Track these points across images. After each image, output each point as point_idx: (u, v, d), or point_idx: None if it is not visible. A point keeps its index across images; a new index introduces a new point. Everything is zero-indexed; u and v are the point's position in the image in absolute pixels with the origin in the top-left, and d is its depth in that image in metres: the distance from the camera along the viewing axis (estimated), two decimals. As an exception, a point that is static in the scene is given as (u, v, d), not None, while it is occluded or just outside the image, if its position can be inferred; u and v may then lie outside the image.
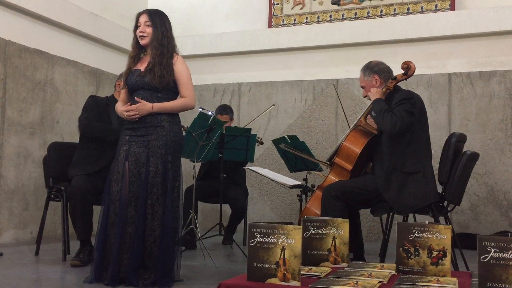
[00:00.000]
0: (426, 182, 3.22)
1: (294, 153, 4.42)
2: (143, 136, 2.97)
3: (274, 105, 5.47)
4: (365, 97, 3.55)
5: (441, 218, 3.44)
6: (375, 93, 3.38)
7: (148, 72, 2.97)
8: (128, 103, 3.05)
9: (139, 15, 3.10)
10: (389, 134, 3.24)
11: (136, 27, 3.08)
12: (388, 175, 3.25)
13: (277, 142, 4.71)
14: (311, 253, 2.48)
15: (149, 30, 3.03)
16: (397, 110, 3.21)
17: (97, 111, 3.79)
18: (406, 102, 3.22)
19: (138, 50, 3.11)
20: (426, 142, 3.36)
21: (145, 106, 2.94)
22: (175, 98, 3.08)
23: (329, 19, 5.89)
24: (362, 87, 3.53)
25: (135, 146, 2.96)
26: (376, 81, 3.45)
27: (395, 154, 3.27)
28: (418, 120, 3.29)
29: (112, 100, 3.88)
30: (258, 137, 4.72)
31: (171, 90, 3.04)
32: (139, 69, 3.03)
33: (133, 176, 2.93)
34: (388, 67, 3.51)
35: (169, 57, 3.01)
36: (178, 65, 3.03)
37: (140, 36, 3.05)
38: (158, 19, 3.07)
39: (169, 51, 3.02)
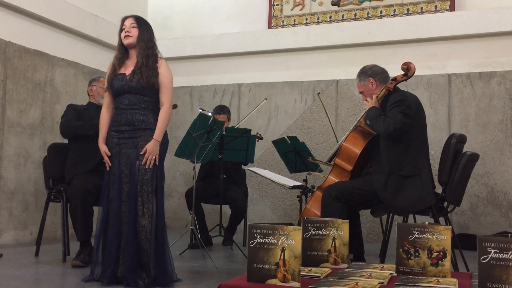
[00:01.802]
0: (422, 186, 3.22)
1: (316, 162, 4.45)
2: (131, 138, 3.00)
3: (266, 99, 5.44)
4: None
5: (441, 219, 3.44)
6: (371, 103, 3.41)
7: (135, 74, 2.99)
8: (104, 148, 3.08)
9: (124, 19, 3.15)
10: (385, 136, 3.26)
11: (121, 30, 3.11)
12: (385, 178, 3.25)
13: (277, 143, 4.72)
14: (311, 254, 2.48)
15: (134, 31, 3.07)
16: (390, 113, 3.23)
17: (76, 115, 3.86)
18: (400, 104, 3.24)
19: (122, 52, 3.13)
20: (423, 144, 3.35)
21: (154, 146, 2.96)
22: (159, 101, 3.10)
23: (329, 20, 5.90)
24: (361, 92, 3.54)
25: (125, 148, 3.01)
26: (372, 84, 3.46)
27: (392, 157, 3.27)
28: (415, 122, 3.29)
29: (90, 105, 3.98)
30: (258, 133, 4.72)
31: (156, 93, 3.06)
32: (124, 74, 3.06)
33: (125, 176, 2.98)
34: (383, 69, 3.51)
35: (154, 60, 3.05)
36: (163, 69, 3.06)
37: (125, 36, 3.07)
38: (144, 23, 3.13)
39: (153, 54, 3.07)
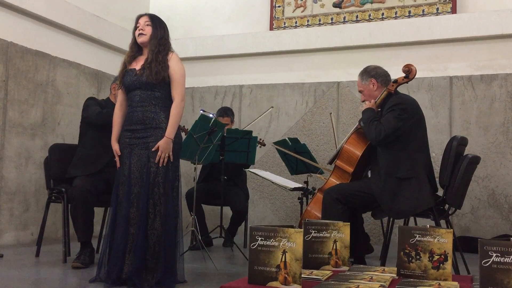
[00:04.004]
0: (419, 189, 3.21)
1: (294, 156, 4.43)
2: (142, 138, 2.99)
3: (272, 107, 5.48)
4: (363, 101, 3.56)
5: (442, 222, 3.43)
6: (368, 105, 3.42)
7: (144, 69, 2.99)
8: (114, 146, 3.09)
9: (139, 16, 3.15)
10: (375, 143, 3.27)
11: (136, 28, 3.11)
12: (383, 180, 3.25)
13: (278, 144, 4.72)
14: (312, 256, 2.48)
15: (148, 29, 3.07)
16: (385, 118, 3.24)
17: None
18: (396, 109, 3.24)
19: (135, 50, 3.14)
20: (420, 147, 3.33)
21: (166, 144, 2.95)
22: (171, 95, 3.08)
23: (330, 21, 5.90)
24: (360, 91, 3.55)
25: (136, 149, 2.99)
26: (373, 85, 3.46)
27: (390, 159, 3.27)
28: (413, 125, 3.28)
29: (108, 103, 3.92)
30: (260, 139, 4.71)
31: (167, 88, 3.04)
32: (135, 69, 3.06)
33: (136, 178, 2.96)
34: (386, 71, 3.51)
35: (165, 54, 3.05)
36: (173, 62, 3.05)
37: (139, 34, 3.07)
38: (158, 22, 3.13)
39: (165, 49, 3.07)
